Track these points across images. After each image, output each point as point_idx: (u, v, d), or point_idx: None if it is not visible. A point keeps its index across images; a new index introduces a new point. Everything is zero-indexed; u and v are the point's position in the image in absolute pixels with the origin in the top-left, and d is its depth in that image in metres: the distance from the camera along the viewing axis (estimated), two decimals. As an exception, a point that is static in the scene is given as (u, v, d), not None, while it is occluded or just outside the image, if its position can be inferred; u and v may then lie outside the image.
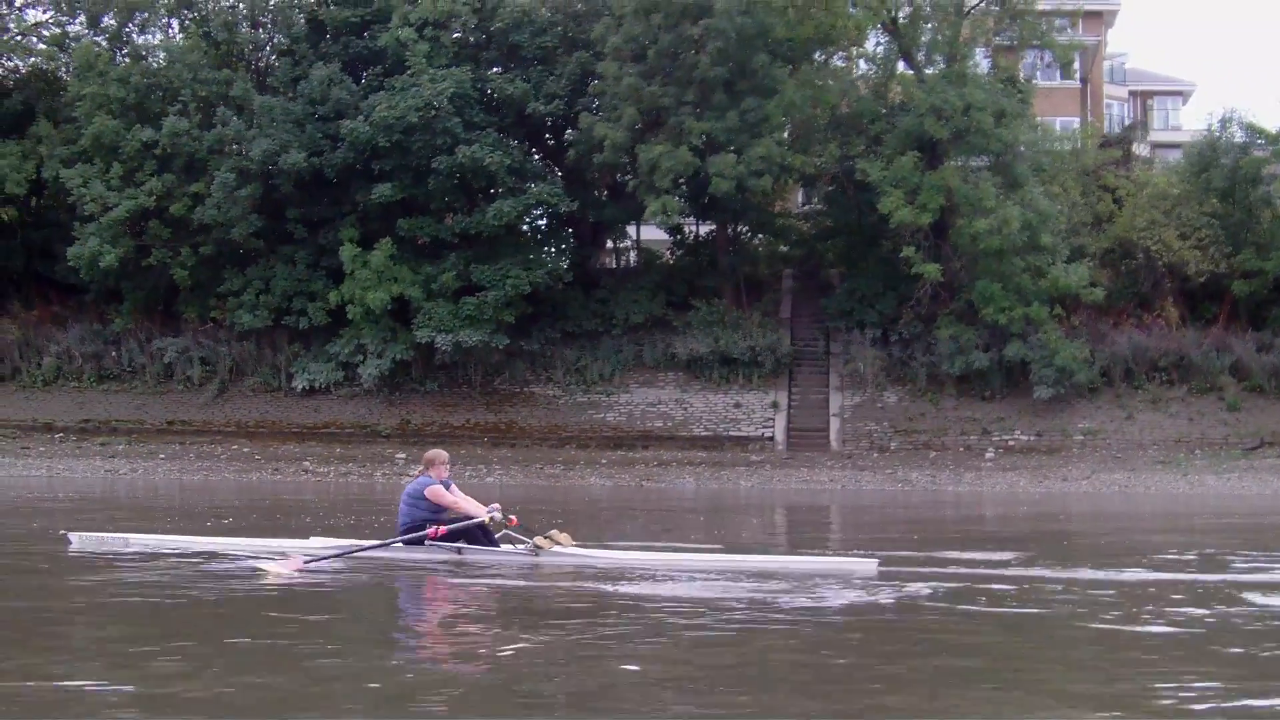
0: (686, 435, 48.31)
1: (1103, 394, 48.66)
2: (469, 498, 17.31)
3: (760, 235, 54.32)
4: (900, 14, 49.61)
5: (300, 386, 50.26)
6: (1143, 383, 48.74)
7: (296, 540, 18.26)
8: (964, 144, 47.66)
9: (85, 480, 42.97)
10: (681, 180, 47.79)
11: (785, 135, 47.92)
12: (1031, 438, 47.38)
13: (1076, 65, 61.63)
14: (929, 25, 49.79)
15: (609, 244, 56.91)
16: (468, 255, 49.34)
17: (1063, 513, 33.27)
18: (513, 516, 17.22)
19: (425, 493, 16.94)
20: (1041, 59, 55.76)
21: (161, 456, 47.40)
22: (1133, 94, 73.37)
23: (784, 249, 55.08)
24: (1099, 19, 66.80)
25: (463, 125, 48.55)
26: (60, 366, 51.97)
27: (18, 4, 55.74)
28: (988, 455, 46.65)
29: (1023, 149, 48.21)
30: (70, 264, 49.86)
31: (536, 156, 52.47)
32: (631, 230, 56.24)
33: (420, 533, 16.90)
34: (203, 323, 51.69)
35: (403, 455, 47.03)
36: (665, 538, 22.62)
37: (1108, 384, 48.75)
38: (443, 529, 16.79)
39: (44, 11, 55.96)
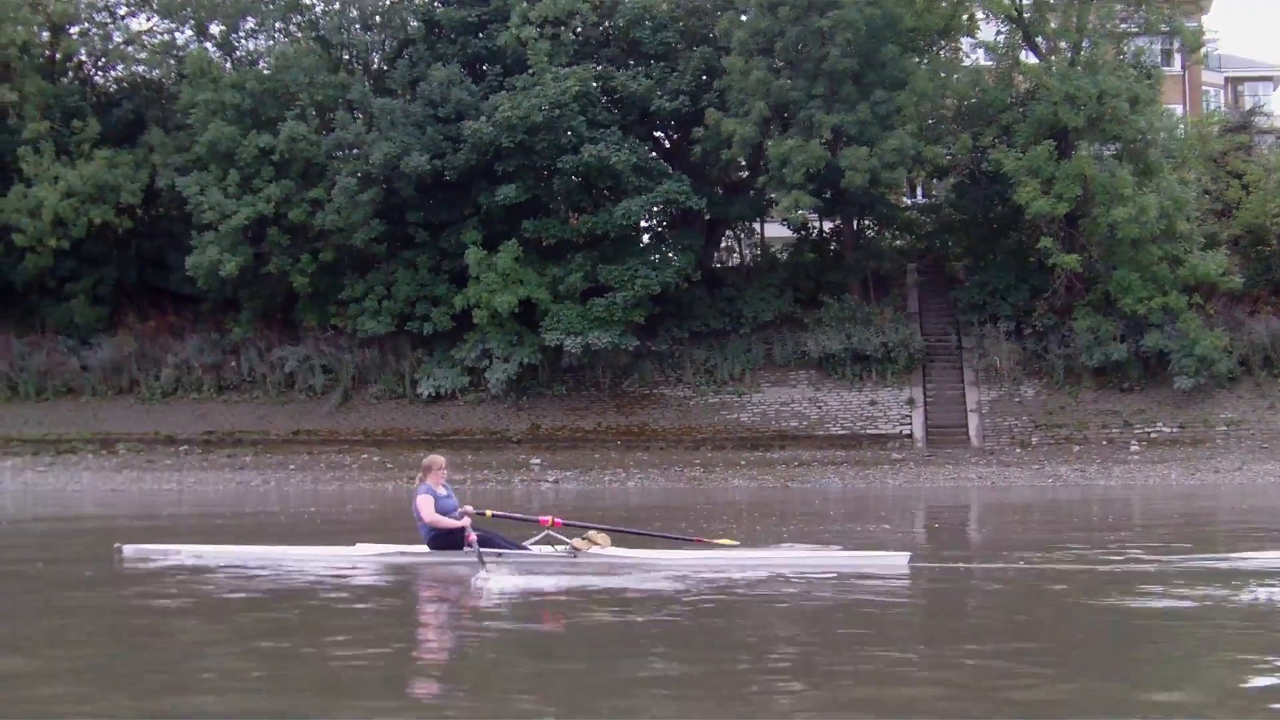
0: (823, 434, 47.43)
1: (1243, 383, 47.65)
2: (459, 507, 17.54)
3: (885, 230, 53.34)
4: (1025, 1, 48.68)
5: (426, 393, 49.47)
6: (1283, 371, 47.86)
7: (344, 548, 18.63)
8: (1097, 131, 46.83)
9: (217, 493, 42.40)
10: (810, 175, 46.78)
11: (916, 127, 46.89)
12: (1174, 429, 46.39)
13: (1175, 52, 60.58)
14: (1052, 14, 48.85)
15: (723, 242, 55.96)
16: (594, 256, 48.58)
17: None
18: (557, 519, 17.63)
19: (416, 505, 17.30)
20: (1171, 43, 54.62)
21: (291, 467, 46.71)
22: (1227, 80, 72.42)
23: (900, 244, 54.20)
24: (1195, 4, 65.85)
25: (586, 124, 47.77)
26: (179, 378, 51.24)
27: (120, 14, 54.94)
28: (1132, 448, 45.70)
29: (1156, 135, 47.31)
30: (189, 274, 49.10)
31: (652, 155, 51.36)
32: (731, 228, 55.44)
33: (458, 542, 17.21)
34: (322, 330, 50.86)
35: (537, 461, 46.35)
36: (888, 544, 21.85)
37: (1246, 373, 47.74)
38: (472, 536, 16.86)
39: (147, 19, 55.34)
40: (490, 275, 47.42)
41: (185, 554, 18.72)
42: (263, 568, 17.51)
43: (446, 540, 17.25)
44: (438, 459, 17.68)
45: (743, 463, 45.85)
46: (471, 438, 48.06)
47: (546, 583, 15.80)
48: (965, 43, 53.97)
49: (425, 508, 17.14)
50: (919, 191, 57.37)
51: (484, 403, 49.45)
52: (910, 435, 47.28)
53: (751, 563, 16.99)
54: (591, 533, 17.31)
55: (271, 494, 42.23)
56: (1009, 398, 48.32)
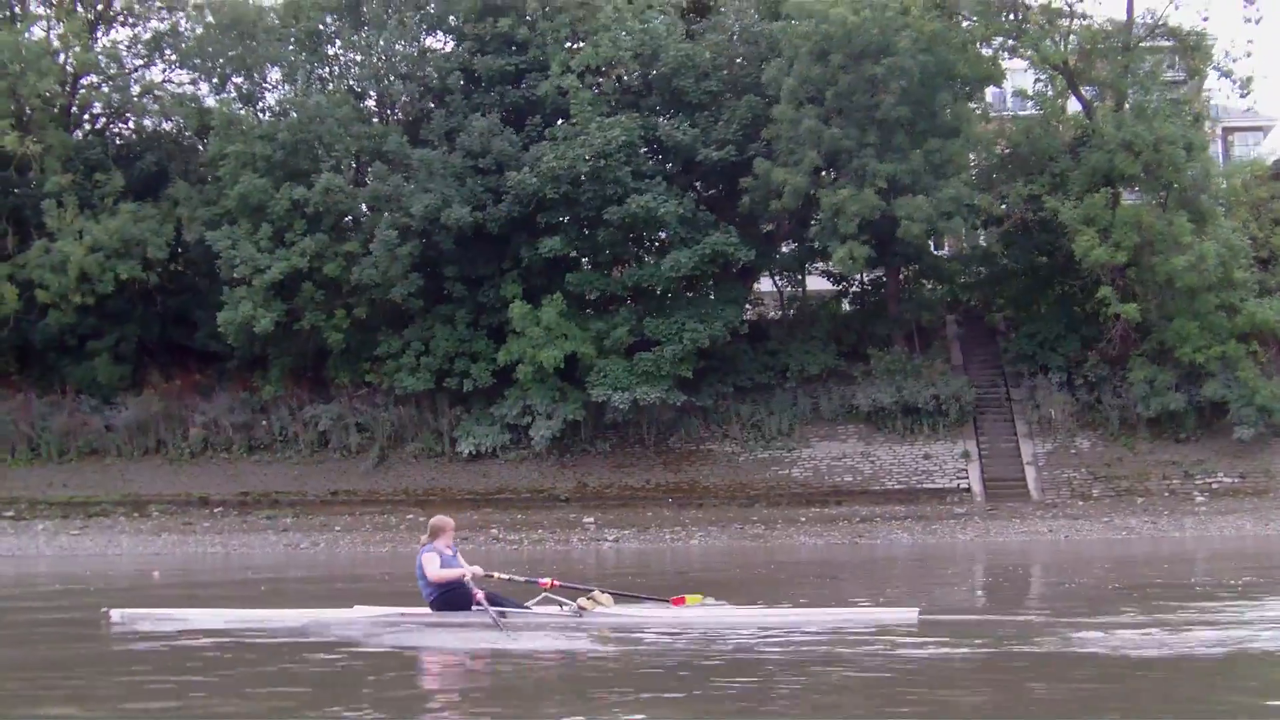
0: (879, 489, 46.41)
1: (1299, 432, 47.18)
2: (466, 566, 17.28)
3: (928, 281, 52.52)
4: (1070, 50, 48.11)
5: (466, 451, 48.04)
6: (1340, 419, 47.28)
7: (340, 610, 18.35)
8: (1152, 179, 46.31)
9: (266, 557, 40.69)
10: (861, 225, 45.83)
11: (969, 176, 46.24)
12: (1235, 480, 45.74)
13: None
14: (1103, 61, 48.33)
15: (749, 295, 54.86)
16: (639, 309, 47.52)
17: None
18: (555, 580, 17.66)
19: (421, 563, 17.12)
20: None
21: (336, 529, 45.04)
22: (1224, 130, 72.60)
23: (935, 294, 53.29)
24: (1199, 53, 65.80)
25: (631, 174, 46.71)
26: (207, 438, 49.60)
27: (137, 64, 53.45)
28: (1197, 499, 44.95)
29: (1209, 182, 46.90)
30: (220, 329, 47.49)
31: (701, 207, 50.14)
32: (772, 279, 54.45)
33: (466, 600, 16.93)
34: (355, 388, 49.32)
35: (590, 520, 44.97)
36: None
37: (1303, 421, 47.25)
38: (480, 594, 16.75)
39: (163, 71, 53.90)
40: (535, 329, 46.19)
41: (177, 619, 18.55)
42: (259, 632, 17.28)
43: (449, 601, 17.05)
44: (448, 521, 17.59)
45: (803, 519, 44.66)
46: (518, 497, 46.74)
47: (563, 643, 15.94)
48: (994, 92, 53.48)
49: (430, 564, 17.01)
50: (945, 243, 56.42)
51: (526, 460, 48.10)
52: (968, 489, 46.34)
53: (774, 621, 17.10)
54: (595, 592, 17.31)
55: (320, 556, 40.63)
56: (1064, 449, 47.55)
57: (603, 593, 17.40)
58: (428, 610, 17.36)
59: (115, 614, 18.33)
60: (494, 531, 43.90)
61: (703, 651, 14.89)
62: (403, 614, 17.64)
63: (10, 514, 46.48)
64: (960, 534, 42.73)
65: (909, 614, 17.00)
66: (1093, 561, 32.16)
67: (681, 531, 43.86)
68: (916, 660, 14.24)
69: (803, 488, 46.77)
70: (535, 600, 17.41)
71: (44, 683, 14.12)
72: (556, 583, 17.57)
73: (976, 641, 15.32)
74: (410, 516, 46.01)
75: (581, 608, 16.98)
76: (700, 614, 17.36)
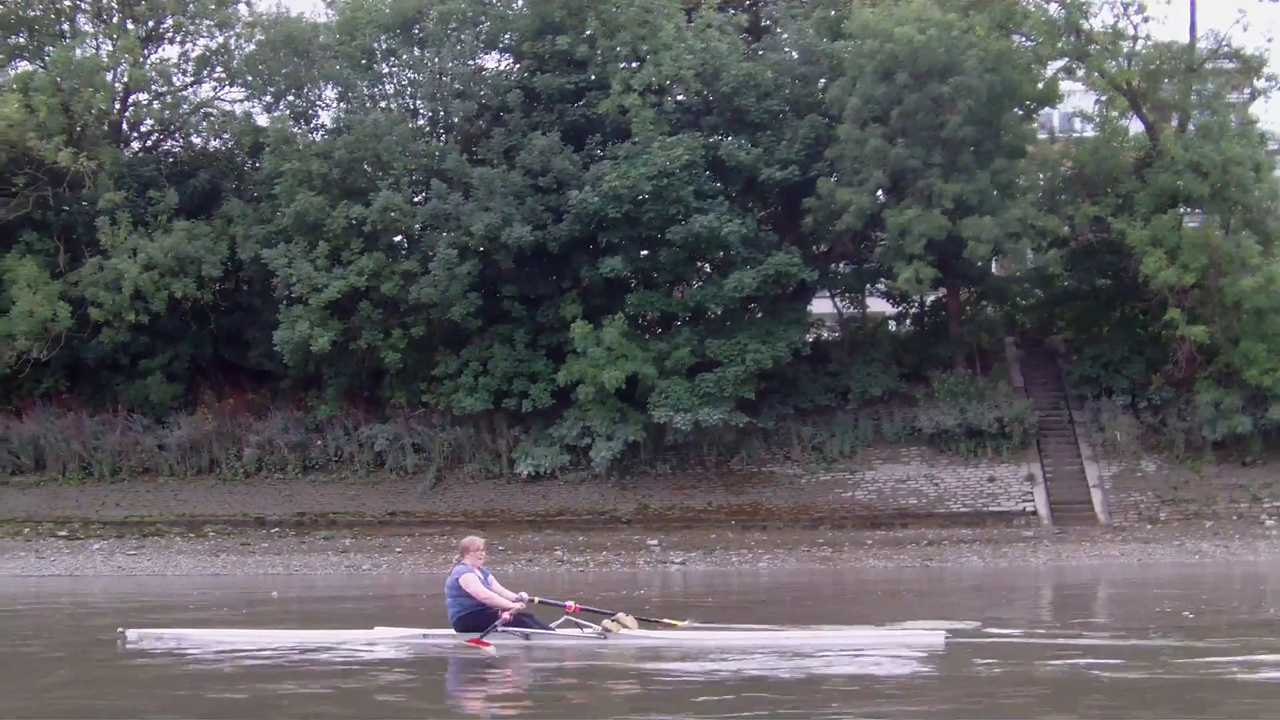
0: (944, 512, 45.87)
1: (1367, 456, 46.76)
2: (501, 589, 18.00)
3: (988, 302, 52.06)
4: (1135, 69, 47.70)
5: (524, 472, 47.43)
6: (1407, 443, 46.87)
7: (360, 630, 18.73)
8: (1220, 200, 45.91)
9: (328, 579, 40.13)
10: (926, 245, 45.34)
11: (1035, 196, 45.84)
12: (1303, 503, 45.34)
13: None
14: (1169, 80, 47.98)
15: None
16: (701, 330, 47.03)
17: None
18: (576, 605, 17.86)
19: (460, 582, 17.52)
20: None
21: (398, 550, 44.38)
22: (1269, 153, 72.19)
23: (996, 315, 52.84)
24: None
25: (693, 194, 46.25)
26: (261, 457, 48.92)
27: (188, 81, 53.10)
28: (1267, 523, 44.47)
29: (1277, 203, 46.62)
30: (276, 348, 47.02)
31: (766, 227, 49.66)
32: (832, 300, 53.74)
33: (493, 621, 17.45)
34: (411, 408, 48.71)
35: (654, 542, 44.36)
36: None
37: (1371, 446, 46.85)
38: (508, 614, 17.28)
39: (213, 88, 53.55)
40: (596, 350, 45.62)
41: (191, 639, 18.66)
42: (275, 652, 17.60)
43: (476, 622, 17.46)
44: (477, 540, 18.21)
45: (869, 542, 44.09)
46: (578, 519, 46.16)
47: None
48: (1046, 113, 53.09)
49: (474, 584, 17.46)
50: (996, 264, 55.77)
51: (585, 482, 47.48)
52: (1034, 512, 45.76)
53: (795, 644, 17.34)
54: (620, 615, 17.66)
55: (384, 578, 40.05)
56: (1130, 472, 47.04)
57: (628, 615, 17.70)
58: (451, 631, 17.68)
59: (130, 634, 18.59)
60: (558, 554, 43.31)
61: (715, 673, 15.33)
62: (425, 634, 17.98)
63: (64, 534, 46.03)
64: (1032, 557, 42.22)
65: (935, 636, 17.05)
66: (1209, 583, 31.77)
67: (748, 554, 43.27)
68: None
69: (867, 510, 46.24)
70: (558, 623, 17.78)
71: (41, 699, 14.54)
72: (579, 607, 17.79)
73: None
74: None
75: (607, 629, 17.40)
76: (725, 637, 17.71)
